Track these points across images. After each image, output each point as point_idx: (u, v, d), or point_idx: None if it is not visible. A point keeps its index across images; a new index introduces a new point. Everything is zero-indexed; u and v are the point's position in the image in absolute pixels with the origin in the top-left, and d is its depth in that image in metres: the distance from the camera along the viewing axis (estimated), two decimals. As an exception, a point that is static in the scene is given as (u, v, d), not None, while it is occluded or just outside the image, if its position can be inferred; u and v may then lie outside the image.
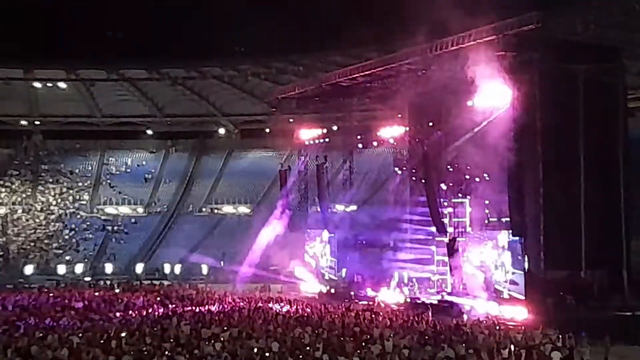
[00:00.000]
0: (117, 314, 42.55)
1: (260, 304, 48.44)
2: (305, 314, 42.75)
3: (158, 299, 51.30)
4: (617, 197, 43.89)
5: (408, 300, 50.69)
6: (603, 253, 42.58)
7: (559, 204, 42.63)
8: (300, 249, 64.07)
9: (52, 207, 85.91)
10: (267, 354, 28.11)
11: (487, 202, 48.90)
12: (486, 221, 48.78)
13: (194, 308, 46.16)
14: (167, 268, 72.91)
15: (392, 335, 33.01)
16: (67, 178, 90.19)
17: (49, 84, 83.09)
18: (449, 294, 49.36)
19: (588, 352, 30.44)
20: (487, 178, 48.53)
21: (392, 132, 60.42)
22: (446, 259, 50.76)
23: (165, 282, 65.60)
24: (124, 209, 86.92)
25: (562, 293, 41.18)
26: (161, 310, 45.20)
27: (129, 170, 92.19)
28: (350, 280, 57.30)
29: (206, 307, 46.22)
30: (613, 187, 43.81)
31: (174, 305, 47.10)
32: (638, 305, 39.67)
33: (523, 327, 35.58)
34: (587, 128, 42.91)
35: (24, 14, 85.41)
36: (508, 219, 43.30)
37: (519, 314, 41.18)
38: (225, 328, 35.20)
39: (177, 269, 72.53)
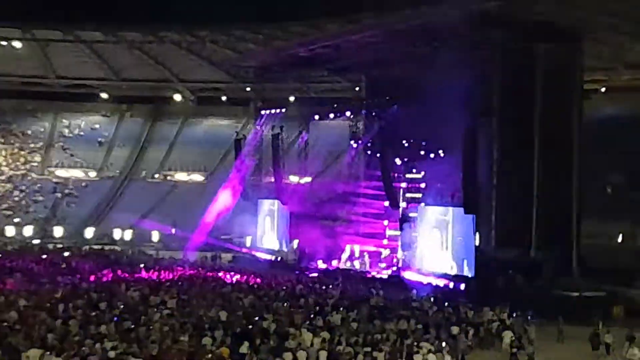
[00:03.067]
0: (66, 278, 42.06)
1: (210, 273, 48.27)
2: (255, 284, 42.72)
3: (107, 264, 50.85)
4: (569, 179, 44.32)
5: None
6: (553, 233, 43.03)
7: (512, 183, 43.01)
8: (253, 219, 63.84)
9: (2, 168, 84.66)
10: (216, 323, 27.98)
11: (440, 178, 49.01)
12: (439, 197, 48.88)
13: (143, 274, 45.89)
14: (117, 234, 72.36)
15: (341, 308, 33.08)
16: (19, 139, 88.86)
17: (3, 43, 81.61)
18: (400, 268, 49.52)
19: (533, 331, 30.72)
20: (442, 154, 48.67)
21: (349, 104, 60.23)
22: (398, 233, 50.89)
23: (116, 247, 65.09)
24: (76, 172, 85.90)
25: (511, 272, 41.51)
26: (110, 275, 44.81)
27: (82, 133, 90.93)
28: (302, 252, 57.26)
29: (156, 274, 45.92)
30: (566, 169, 44.22)
31: (122, 271, 46.68)
32: (586, 286, 40.11)
33: (472, 304, 35.77)
34: (544, 109, 43.23)
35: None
36: (461, 196, 43.45)
37: (468, 290, 41.45)
38: (174, 295, 35.03)
39: (128, 234, 72.02)
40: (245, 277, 46.51)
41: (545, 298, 38.02)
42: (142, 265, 50.32)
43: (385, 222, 54.21)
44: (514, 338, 28.90)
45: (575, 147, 44.77)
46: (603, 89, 66.22)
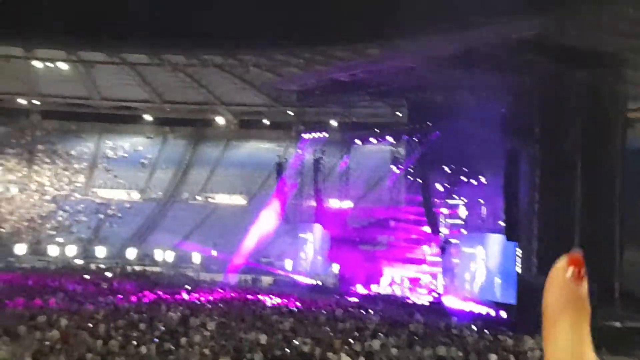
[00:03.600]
0: (107, 298, 42.45)
1: (250, 296, 48.43)
2: (295, 308, 42.78)
3: (148, 284, 51.23)
4: (612, 206, 43.94)
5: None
6: (595, 262, 42.48)
7: (554, 210, 42.70)
8: (293, 242, 63.98)
9: (46, 188, 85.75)
10: (255, 346, 28.07)
11: (482, 204, 48.89)
12: (480, 223, 48.74)
13: (183, 296, 46.14)
14: (158, 255, 72.85)
15: (380, 333, 33.03)
16: (63, 159, 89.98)
17: (49, 64, 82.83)
18: (440, 295, 49.35)
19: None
20: (484, 180, 48.56)
21: (391, 129, 60.33)
22: (438, 259, 50.74)
23: (156, 269, 65.53)
24: (119, 193, 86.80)
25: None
26: (151, 296, 45.12)
27: (125, 154, 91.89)
28: (342, 276, 57.26)
29: (196, 296, 46.16)
30: (609, 196, 43.85)
31: (163, 292, 46.98)
32: (628, 316, 39.69)
33: (512, 332, 35.52)
34: (586, 136, 42.94)
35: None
36: (502, 223, 43.27)
37: (509, 318, 41.19)
38: (214, 318, 35.19)
39: (169, 256, 72.47)
40: (284, 300, 46.60)
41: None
42: (182, 287, 50.66)
43: (426, 248, 54.09)
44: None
45: (618, 174, 44.41)
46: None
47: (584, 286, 2.05)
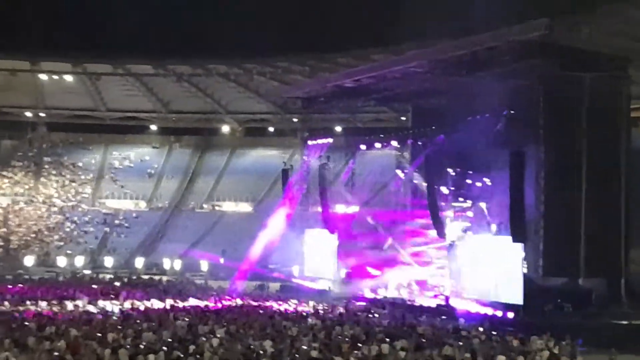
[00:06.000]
0: (116, 308, 42.60)
1: (258, 302, 48.52)
2: (304, 313, 42.86)
3: (157, 293, 51.37)
4: (617, 206, 44.00)
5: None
6: (602, 261, 42.72)
7: (560, 211, 42.79)
8: (300, 248, 64.04)
9: (54, 200, 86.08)
10: (263, 352, 28.16)
11: (488, 206, 48.95)
12: (486, 226, 48.78)
13: (192, 304, 46.26)
14: (166, 263, 73.05)
15: (388, 337, 33.09)
16: (70, 171, 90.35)
17: (55, 76, 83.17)
18: (447, 297, 49.36)
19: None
20: (489, 183, 48.60)
21: (395, 134, 60.42)
22: (445, 262, 50.81)
23: (165, 277, 65.69)
24: (126, 204, 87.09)
25: (559, 300, 41.26)
26: (160, 305, 45.26)
27: (131, 164, 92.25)
28: (349, 281, 57.32)
29: (204, 304, 46.28)
30: (614, 196, 43.93)
31: (172, 301, 47.11)
32: (635, 314, 39.75)
33: (520, 333, 35.56)
34: (590, 137, 43.06)
35: (31, 5, 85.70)
36: (508, 224, 43.31)
37: (516, 319, 41.22)
38: (222, 325, 35.29)
39: (177, 264, 72.66)
40: (292, 306, 46.70)
41: (594, 327, 37.70)
42: (191, 295, 50.82)
43: (433, 251, 54.15)
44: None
45: (623, 174, 44.47)
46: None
47: None
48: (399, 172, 60.34)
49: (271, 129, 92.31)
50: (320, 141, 63.86)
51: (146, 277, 65.25)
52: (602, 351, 32.76)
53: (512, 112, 43.56)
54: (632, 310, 40.62)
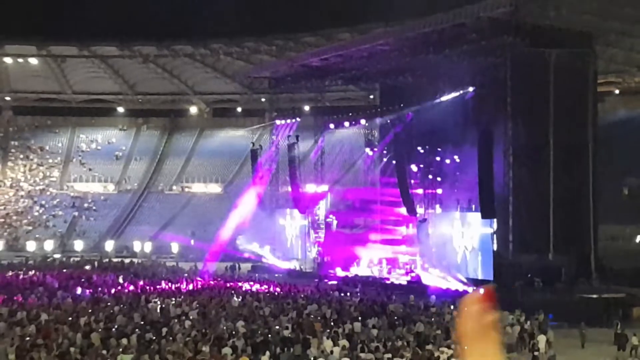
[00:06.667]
0: (87, 292, 42.35)
1: (229, 283, 48.49)
2: (275, 292, 42.93)
3: (128, 276, 51.15)
4: (585, 182, 44.35)
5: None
6: (571, 237, 43.09)
7: (528, 188, 43.05)
8: (271, 229, 64.04)
9: (21, 184, 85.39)
10: (236, 333, 28.17)
11: (457, 183, 49.13)
12: (456, 203, 48.97)
13: (163, 286, 46.10)
14: (137, 246, 72.80)
15: (360, 315, 33.22)
16: (37, 155, 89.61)
17: (20, 60, 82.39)
18: (418, 274, 49.59)
19: (553, 335, 30.79)
20: (458, 160, 48.78)
21: (364, 112, 60.51)
22: (415, 240, 51.01)
23: (135, 260, 65.43)
24: (95, 186, 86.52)
25: (530, 276, 41.59)
26: (131, 287, 45.08)
27: (99, 147, 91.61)
28: (320, 260, 57.48)
29: (176, 286, 46.16)
30: (582, 173, 44.26)
31: (143, 283, 46.94)
32: (605, 288, 40.15)
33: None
34: (557, 113, 43.31)
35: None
36: (478, 201, 43.53)
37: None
38: (194, 307, 35.26)
39: (147, 246, 72.43)
40: (264, 286, 46.71)
41: (564, 301, 38.07)
42: (162, 277, 50.68)
43: (403, 229, 54.36)
44: (534, 342, 29.09)
45: (591, 149, 44.83)
46: (617, 92, 66.25)
47: (494, 317, 2.34)
48: (368, 150, 60.45)
49: (239, 110, 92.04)
50: (288, 121, 63.83)
51: (116, 260, 64.95)
52: (573, 325, 33.13)
53: (480, 89, 43.61)
54: (601, 285, 41.01)
